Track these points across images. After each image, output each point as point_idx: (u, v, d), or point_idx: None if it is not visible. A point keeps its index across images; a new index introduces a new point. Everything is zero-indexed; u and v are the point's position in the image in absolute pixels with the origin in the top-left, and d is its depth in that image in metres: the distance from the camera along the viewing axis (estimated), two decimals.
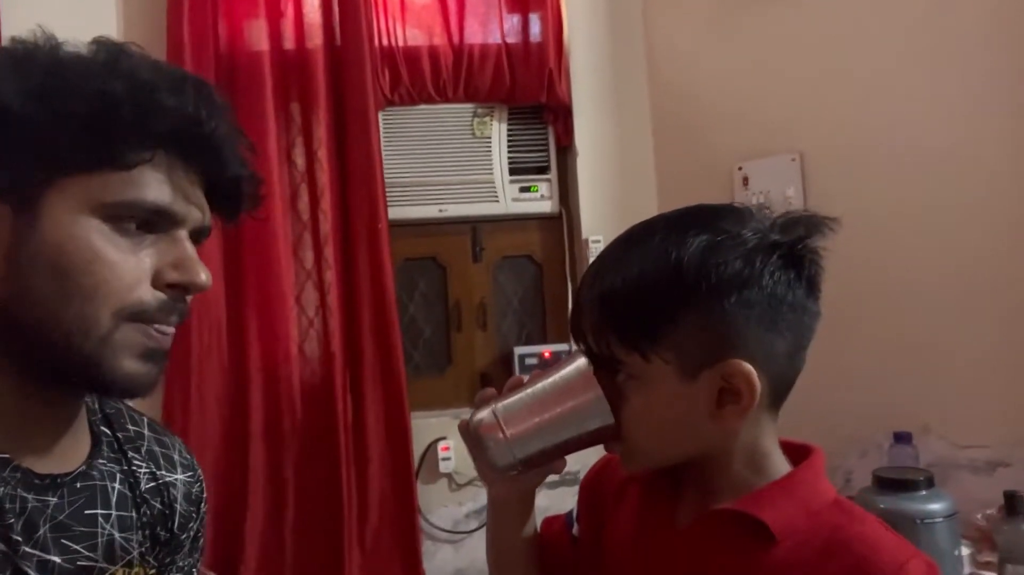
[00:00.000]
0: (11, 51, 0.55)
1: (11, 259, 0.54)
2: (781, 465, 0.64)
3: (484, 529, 2.33)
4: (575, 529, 0.79)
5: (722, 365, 0.58)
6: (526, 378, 0.66)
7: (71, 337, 0.54)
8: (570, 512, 0.82)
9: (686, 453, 0.63)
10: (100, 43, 0.58)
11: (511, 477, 0.67)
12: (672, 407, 0.60)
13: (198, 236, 0.61)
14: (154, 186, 0.55)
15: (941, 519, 1.20)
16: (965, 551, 1.30)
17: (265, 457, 2.02)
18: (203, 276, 0.58)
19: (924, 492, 1.23)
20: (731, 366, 0.57)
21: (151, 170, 0.55)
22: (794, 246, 0.59)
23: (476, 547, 2.20)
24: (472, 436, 0.65)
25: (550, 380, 0.64)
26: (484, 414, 0.65)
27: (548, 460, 0.66)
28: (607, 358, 0.61)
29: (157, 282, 0.56)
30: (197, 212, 0.60)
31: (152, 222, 0.56)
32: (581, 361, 0.63)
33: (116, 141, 0.54)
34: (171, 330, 0.59)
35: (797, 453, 0.65)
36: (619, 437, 0.63)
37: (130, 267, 0.55)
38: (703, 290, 0.57)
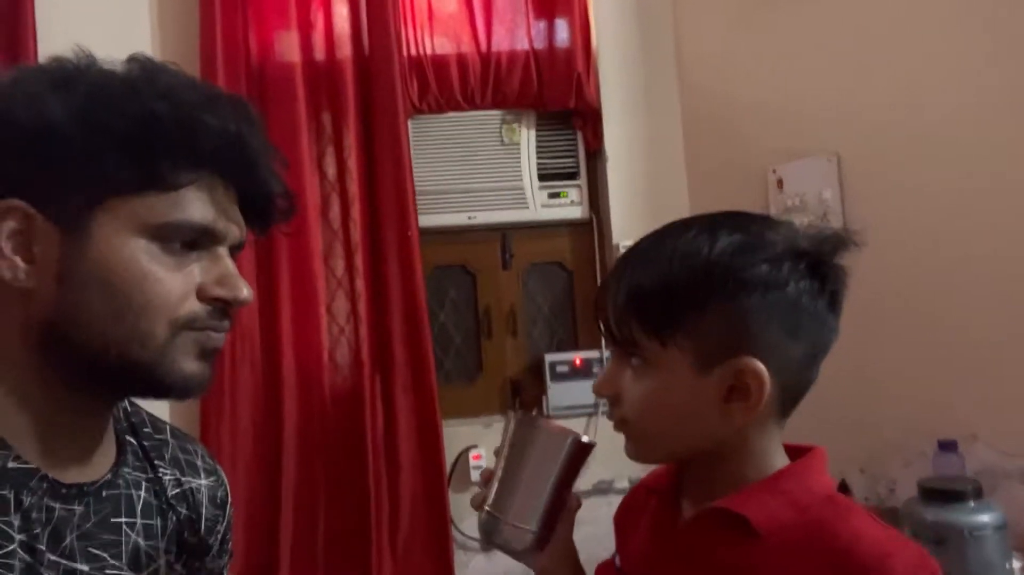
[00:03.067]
0: (51, 70, 0.56)
1: (61, 279, 0.55)
2: (781, 465, 0.65)
3: None
4: (617, 560, 0.79)
5: (735, 361, 0.59)
6: (494, 465, 0.69)
7: (128, 349, 0.56)
8: (615, 553, 0.83)
9: (689, 446, 0.64)
10: (136, 61, 0.59)
11: (544, 546, 0.70)
12: (681, 397, 0.61)
13: (233, 250, 0.62)
14: (198, 206, 0.57)
15: (991, 530, 1.16)
16: (1016, 564, 1.25)
17: (297, 465, 2.03)
18: (245, 291, 0.60)
19: (972, 503, 1.19)
20: (744, 363, 0.59)
21: (195, 190, 0.57)
22: (821, 258, 0.61)
23: (508, 557, 2.17)
24: (490, 542, 0.69)
25: (508, 453, 0.67)
26: (482, 520, 0.68)
27: (558, 510, 0.68)
28: (626, 341, 0.63)
29: (202, 297, 0.58)
30: (236, 229, 0.61)
31: (195, 240, 0.58)
32: (515, 422, 0.67)
33: (163, 163, 0.55)
34: (222, 334, 0.61)
35: (799, 454, 0.66)
36: (589, 449, 0.68)
37: (178, 284, 0.57)
38: (728, 286, 0.59)
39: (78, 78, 0.56)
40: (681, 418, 0.62)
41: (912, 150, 1.75)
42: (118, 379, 0.57)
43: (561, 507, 0.69)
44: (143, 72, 0.58)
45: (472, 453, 2.17)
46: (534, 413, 0.69)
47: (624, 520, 0.78)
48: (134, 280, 0.55)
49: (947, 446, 1.53)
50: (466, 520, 2.17)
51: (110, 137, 0.54)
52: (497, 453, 0.68)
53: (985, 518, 1.16)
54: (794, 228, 0.63)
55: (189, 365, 0.58)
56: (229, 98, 0.60)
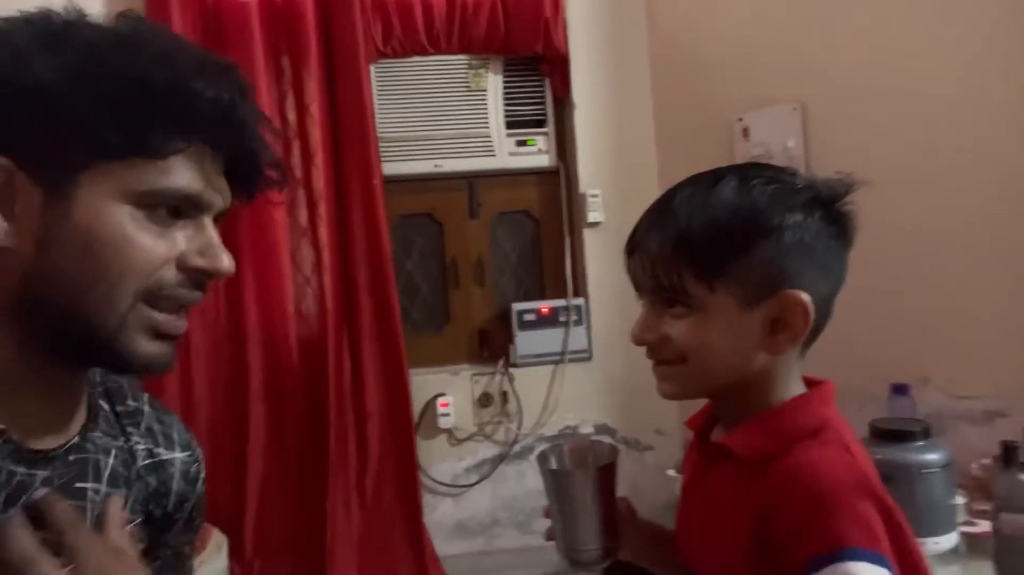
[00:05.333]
0: (39, 25, 0.55)
1: (41, 241, 0.54)
2: (796, 394, 0.70)
3: (483, 483, 2.33)
4: None
5: (782, 294, 0.65)
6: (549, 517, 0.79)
7: (93, 318, 0.55)
8: None
9: (729, 380, 0.68)
10: (127, 19, 0.58)
11: (616, 552, 0.78)
12: (729, 335, 0.66)
13: (216, 219, 0.61)
14: (186, 174, 0.56)
15: (937, 469, 1.21)
16: (960, 500, 1.31)
17: (264, 415, 2.03)
18: (226, 263, 0.59)
19: (921, 443, 1.23)
20: (791, 295, 0.64)
21: (184, 158, 0.56)
22: (838, 202, 0.68)
23: (476, 500, 2.23)
24: (571, 566, 0.78)
25: (550, 497, 0.76)
26: (559, 550, 0.77)
27: (613, 522, 0.76)
28: (673, 288, 0.66)
29: (181, 266, 0.58)
30: (220, 198, 0.60)
31: (180, 208, 0.57)
32: (543, 473, 0.76)
33: (154, 130, 0.54)
34: (183, 320, 0.60)
35: (811, 387, 0.72)
36: (613, 467, 0.75)
37: (160, 251, 0.56)
38: (772, 230, 0.64)
39: (68, 35, 0.54)
40: (727, 355, 0.67)
41: (875, 101, 1.76)
42: (80, 349, 0.57)
43: (613, 518, 0.76)
44: (135, 33, 0.56)
45: (440, 401, 2.20)
46: (556, 452, 0.80)
47: (684, 466, 0.84)
48: (116, 246, 0.54)
49: (900, 389, 1.58)
50: (434, 466, 2.21)
51: (101, 100, 0.53)
52: (550, 507, 0.77)
53: (932, 457, 1.21)
54: (811, 177, 0.69)
55: (145, 346, 0.57)
56: (223, 65, 0.59)
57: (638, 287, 0.70)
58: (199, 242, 0.58)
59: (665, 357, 0.69)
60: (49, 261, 0.54)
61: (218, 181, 0.60)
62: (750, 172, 0.68)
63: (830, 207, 0.67)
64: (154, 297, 0.56)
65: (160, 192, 0.55)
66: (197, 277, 0.58)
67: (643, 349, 0.70)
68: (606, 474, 0.75)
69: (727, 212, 0.65)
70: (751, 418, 0.68)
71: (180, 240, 0.57)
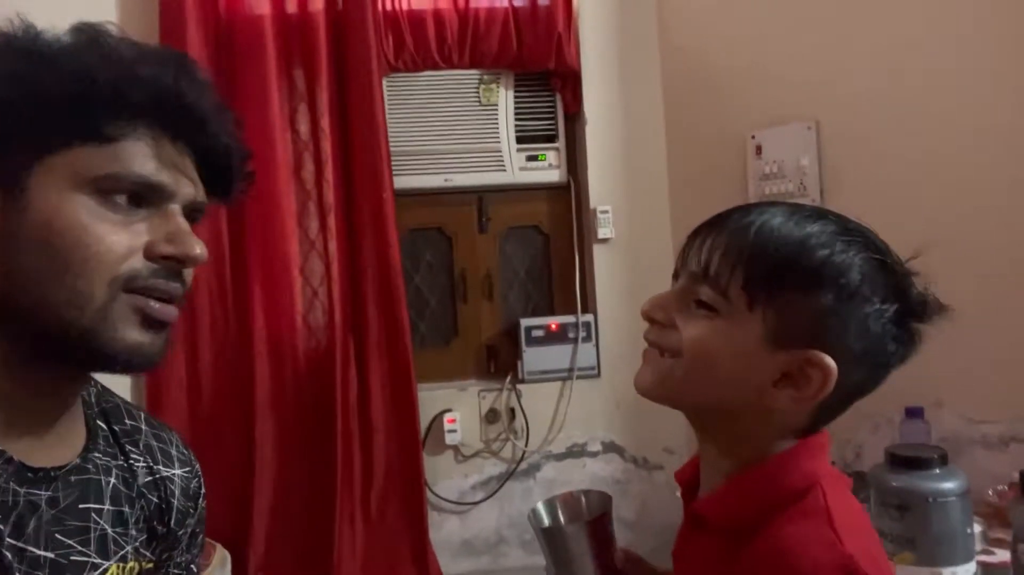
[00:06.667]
0: None
1: (3, 241, 0.54)
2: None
3: (489, 500, 2.30)
4: None
5: (809, 351, 0.59)
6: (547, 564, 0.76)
7: (65, 313, 0.54)
8: None
9: (707, 405, 0.63)
10: (79, 29, 0.58)
11: None
12: (733, 354, 0.60)
13: (194, 213, 0.60)
14: (139, 159, 0.56)
15: (955, 498, 1.18)
16: (977, 529, 1.28)
17: (271, 429, 2.02)
18: (197, 249, 0.57)
19: (937, 470, 1.20)
20: (819, 356, 0.58)
21: (135, 143, 0.56)
22: (919, 320, 0.63)
23: (482, 518, 2.20)
24: None
25: (547, 556, 0.74)
26: None
27: (611, 572, 0.74)
28: (715, 283, 0.61)
29: (150, 254, 0.56)
30: (189, 186, 0.59)
31: (142, 196, 0.56)
32: (536, 531, 0.74)
33: (95, 114, 0.54)
34: (172, 306, 0.58)
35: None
36: (606, 518, 0.73)
37: (122, 240, 0.55)
38: (843, 290, 0.59)
39: (11, 46, 0.55)
40: (720, 374, 0.61)
41: (890, 119, 1.75)
42: (60, 348, 0.55)
43: (613, 569, 0.73)
44: (84, 36, 0.57)
45: (446, 417, 2.18)
46: (548, 506, 0.78)
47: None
48: (73, 236, 0.53)
49: (914, 412, 1.56)
50: (440, 482, 2.19)
51: (41, 95, 0.53)
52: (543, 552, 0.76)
53: (949, 485, 1.18)
54: (910, 276, 0.64)
55: (132, 334, 0.55)
56: (174, 55, 0.59)
57: (679, 269, 0.64)
58: (167, 230, 0.57)
59: (662, 342, 0.63)
60: (12, 259, 0.54)
61: (185, 168, 0.59)
62: (852, 226, 0.63)
63: (911, 312, 0.62)
64: (134, 287, 0.55)
65: (112, 177, 0.55)
66: (171, 266, 0.57)
67: None
68: (599, 526, 0.73)
69: (815, 243, 0.59)
70: (726, 479, 0.63)
71: (144, 230, 0.56)
